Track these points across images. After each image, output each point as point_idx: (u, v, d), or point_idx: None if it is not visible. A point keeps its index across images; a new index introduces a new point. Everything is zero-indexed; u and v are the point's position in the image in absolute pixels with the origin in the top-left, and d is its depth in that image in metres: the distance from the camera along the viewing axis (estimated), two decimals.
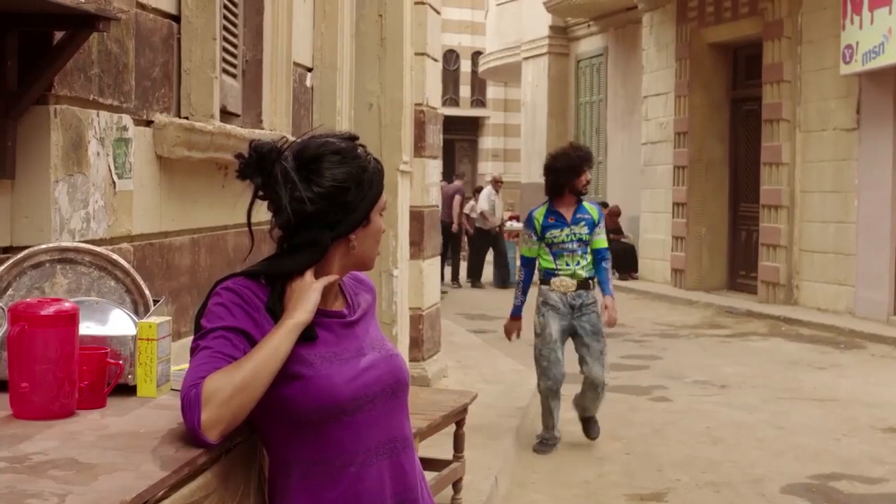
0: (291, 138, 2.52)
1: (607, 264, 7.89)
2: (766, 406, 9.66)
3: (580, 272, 7.76)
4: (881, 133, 14.59)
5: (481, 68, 32.70)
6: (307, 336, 2.36)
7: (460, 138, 39.87)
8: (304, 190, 2.36)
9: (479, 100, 41.01)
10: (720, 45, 18.90)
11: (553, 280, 7.77)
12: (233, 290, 2.37)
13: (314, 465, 2.39)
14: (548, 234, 7.77)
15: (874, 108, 14.74)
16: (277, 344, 2.29)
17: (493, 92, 40.02)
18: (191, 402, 2.19)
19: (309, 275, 2.40)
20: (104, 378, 2.48)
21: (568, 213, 7.81)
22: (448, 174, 26.24)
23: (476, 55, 37.29)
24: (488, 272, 21.81)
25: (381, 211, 2.51)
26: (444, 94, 26.47)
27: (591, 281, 7.82)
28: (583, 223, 7.79)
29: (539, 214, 7.87)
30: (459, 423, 6.18)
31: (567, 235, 7.75)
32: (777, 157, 16.59)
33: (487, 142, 40.68)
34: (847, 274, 15.17)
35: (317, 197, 2.37)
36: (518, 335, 8.16)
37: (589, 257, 7.79)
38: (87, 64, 3.37)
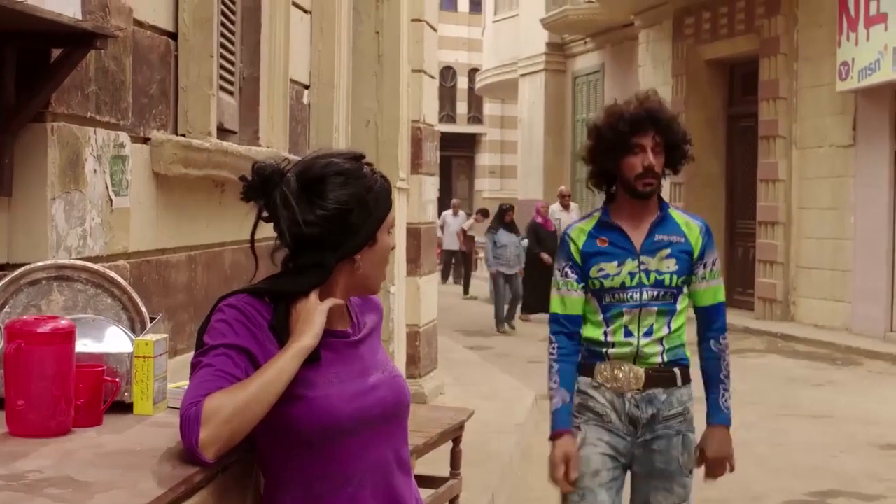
0: (295, 158, 2.51)
1: (724, 345, 4.08)
2: (763, 423, 9.64)
3: (654, 351, 3.91)
4: (877, 150, 14.61)
5: (478, 85, 32.81)
6: (311, 358, 2.34)
7: (457, 155, 39.93)
8: (304, 213, 2.35)
9: (475, 116, 41.11)
10: (717, 62, 18.94)
11: (601, 367, 3.93)
12: (236, 308, 2.35)
13: (312, 483, 2.38)
14: (595, 271, 3.92)
15: (870, 125, 14.77)
16: (282, 367, 2.27)
17: (489, 109, 40.12)
18: (190, 419, 2.17)
19: (314, 297, 2.38)
20: (100, 396, 2.48)
21: (637, 231, 3.94)
22: (444, 191, 26.25)
23: (473, 72, 37.40)
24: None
25: (390, 229, 2.47)
26: (440, 110, 26.55)
27: (679, 371, 3.96)
28: (667, 252, 3.91)
29: (580, 233, 4.01)
30: (456, 441, 6.16)
31: (632, 275, 3.89)
32: (773, 174, 16.61)
33: (484, 158, 40.76)
34: (844, 290, 15.18)
35: (319, 220, 2.35)
36: (573, 469, 3.94)
37: (680, 322, 3.96)
38: (84, 81, 3.37)
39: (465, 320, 17.86)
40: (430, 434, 5.76)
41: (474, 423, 6.69)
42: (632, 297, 3.90)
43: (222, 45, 4.87)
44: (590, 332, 3.97)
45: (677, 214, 4.03)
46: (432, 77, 10.11)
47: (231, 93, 5.14)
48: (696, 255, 3.95)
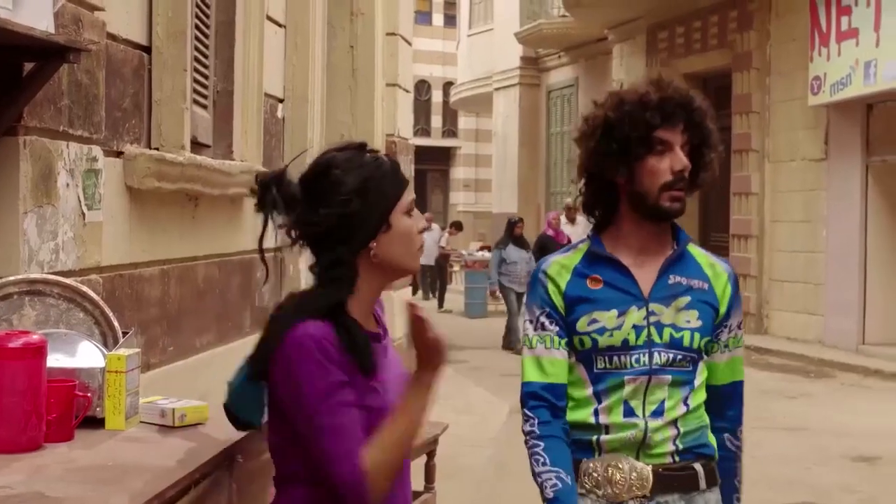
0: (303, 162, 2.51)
1: (741, 441, 3.02)
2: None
3: (666, 438, 2.80)
4: (849, 163, 14.70)
5: (453, 99, 32.86)
6: (366, 370, 2.33)
7: (432, 168, 39.95)
8: (308, 213, 2.35)
9: (450, 130, 41.14)
10: (690, 77, 18.98)
11: (588, 466, 2.81)
12: (314, 346, 2.28)
13: None
14: (584, 323, 2.82)
15: (842, 139, 14.86)
16: (420, 406, 2.34)
17: (464, 122, 40.17)
18: (357, 484, 2.22)
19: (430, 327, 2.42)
20: (72, 411, 2.47)
21: (644, 270, 2.85)
22: (419, 204, 26.23)
23: (447, 86, 37.44)
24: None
25: (408, 210, 2.43)
26: (415, 124, 26.54)
27: (701, 468, 2.84)
28: (686, 300, 2.83)
29: (561, 270, 2.89)
30: (430, 454, 6.16)
31: (639, 330, 2.80)
32: (747, 187, 16.69)
33: (459, 172, 40.79)
34: (816, 303, 15.25)
35: (323, 217, 2.34)
36: None
37: (700, 398, 2.87)
38: (57, 95, 3.36)
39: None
40: None
41: (448, 436, 6.69)
42: (637, 360, 2.76)
43: (196, 59, 4.87)
44: (573, 413, 2.80)
45: (698, 252, 2.94)
46: (407, 91, 10.12)
47: (205, 106, 5.13)
48: (721, 311, 2.85)
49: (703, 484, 2.81)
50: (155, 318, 4.35)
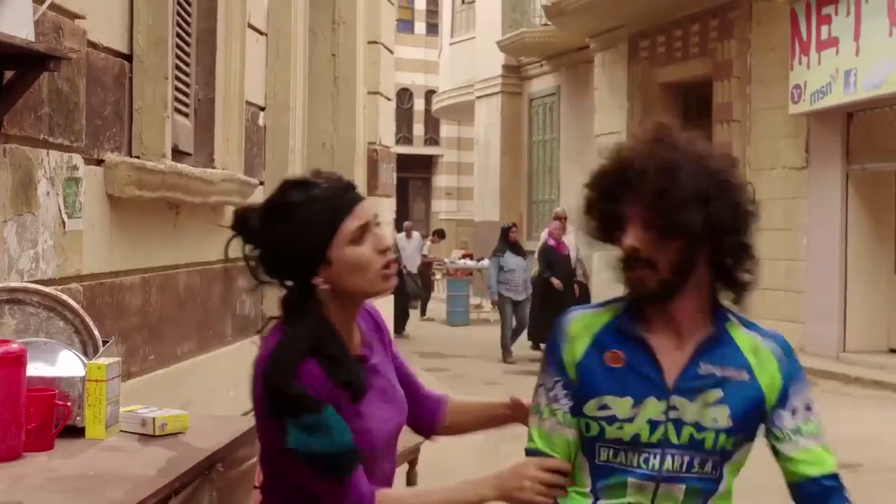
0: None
1: None
2: None
3: None
4: (829, 171, 14.76)
5: (435, 107, 32.86)
6: (357, 394, 2.38)
7: (414, 176, 39.94)
8: (264, 247, 2.43)
9: (432, 138, 41.15)
10: (671, 85, 19.08)
11: None
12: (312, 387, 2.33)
13: None
14: (593, 406, 2.41)
15: (822, 147, 14.92)
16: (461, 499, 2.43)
17: (446, 130, 40.17)
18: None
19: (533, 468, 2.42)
20: (52, 420, 2.46)
21: (673, 356, 2.40)
22: (401, 212, 26.25)
23: (430, 94, 37.44)
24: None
25: (353, 239, 2.41)
26: (397, 132, 26.55)
27: None
28: (717, 395, 2.38)
29: (583, 331, 2.47)
30: (412, 463, 6.15)
31: (654, 426, 2.37)
32: None
33: (441, 180, 40.80)
34: (797, 311, 15.29)
35: (269, 253, 2.42)
36: None
37: None
38: (37, 103, 3.35)
39: (420, 342, 17.85)
40: None
41: (430, 444, 6.66)
42: (646, 461, 2.36)
43: (177, 67, 4.86)
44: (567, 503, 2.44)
45: (741, 334, 2.48)
46: (389, 99, 10.13)
47: (186, 115, 5.12)
48: (770, 401, 2.42)
49: None
50: (136, 327, 4.33)
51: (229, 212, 4.63)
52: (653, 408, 2.34)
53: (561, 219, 16.56)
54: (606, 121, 20.49)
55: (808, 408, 2.44)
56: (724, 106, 16.91)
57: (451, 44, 29.82)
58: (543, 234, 16.83)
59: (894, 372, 13.29)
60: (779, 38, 15.54)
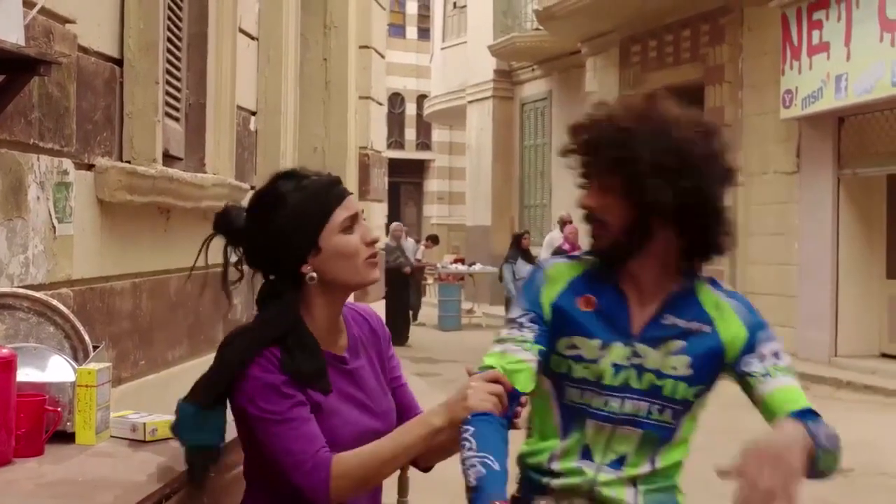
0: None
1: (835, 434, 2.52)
2: (710, 447, 9.66)
3: (618, 497, 2.49)
4: (821, 176, 14.80)
5: (426, 111, 32.90)
6: (323, 389, 2.44)
7: (405, 181, 39.97)
8: (250, 242, 2.49)
9: (424, 143, 41.19)
10: (663, 90, 19.10)
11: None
12: (264, 378, 2.39)
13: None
14: (563, 345, 2.51)
15: (814, 152, 14.96)
16: (408, 443, 2.42)
17: (438, 135, 40.22)
18: (319, 466, 2.33)
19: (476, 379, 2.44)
20: (42, 425, 2.45)
21: (643, 307, 2.52)
22: (393, 217, 26.26)
23: (421, 98, 37.49)
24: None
25: (343, 228, 2.48)
26: (389, 137, 26.56)
27: None
28: (679, 345, 2.50)
29: (559, 275, 2.57)
30: (403, 468, 6.13)
31: (618, 370, 2.48)
32: None
33: (433, 185, 40.84)
34: (789, 315, 15.31)
35: (257, 247, 2.48)
36: None
37: (675, 457, 2.60)
38: (27, 108, 3.34)
39: (412, 347, 17.83)
40: None
41: None
42: (608, 404, 2.47)
43: (168, 72, 4.85)
44: (534, 442, 2.57)
45: (707, 292, 2.56)
46: (380, 103, 10.13)
47: (177, 119, 5.12)
48: (732, 353, 2.53)
49: None
50: (126, 332, 4.32)
51: None
52: (618, 352, 2.46)
53: (566, 222, 16.27)
54: None
55: (777, 355, 2.53)
56: (715, 111, 16.94)
57: (443, 48, 29.86)
58: (550, 239, 16.46)
59: (886, 376, 13.33)
60: (770, 42, 15.58)
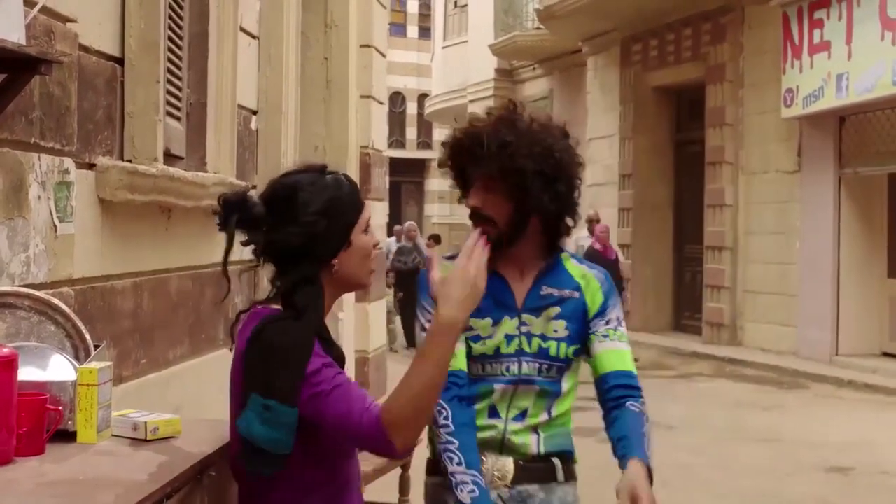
0: (255, 185, 2.62)
1: (645, 407, 2.96)
2: (711, 447, 9.69)
3: (526, 442, 2.97)
4: (822, 175, 14.79)
5: (427, 110, 32.88)
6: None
7: (406, 180, 39.95)
8: (275, 233, 2.47)
9: (425, 142, 41.15)
10: (664, 89, 19.10)
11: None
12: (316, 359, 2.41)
13: (331, 489, 2.52)
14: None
15: (814, 151, 14.95)
16: (438, 357, 2.36)
17: (439, 134, 40.11)
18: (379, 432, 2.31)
19: (464, 263, 2.46)
20: (43, 424, 2.45)
21: (521, 283, 2.99)
22: (394, 216, 26.23)
23: (422, 97, 37.46)
24: None
25: (365, 228, 2.56)
26: (390, 136, 26.51)
27: (559, 463, 3.02)
28: (556, 311, 2.98)
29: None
30: (405, 467, 6.14)
31: (510, 340, 2.96)
32: (720, 199, 16.75)
33: (434, 184, 40.78)
34: (790, 315, 15.31)
35: (289, 236, 2.46)
36: None
37: (565, 406, 3.02)
38: (28, 107, 3.35)
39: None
40: (379, 460, 5.74)
41: (423, 448, 6.67)
42: (507, 369, 2.91)
43: (169, 71, 4.85)
44: None
45: (572, 265, 3.03)
46: (381, 103, 10.14)
47: (178, 118, 5.12)
48: (591, 313, 2.96)
49: (560, 476, 2.99)
50: (127, 331, 4.33)
51: None
52: (508, 324, 2.93)
53: (594, 221, 15.55)
54: (599, 124, 20.53)
55: (619, 321, 3.02)
56: (716, 110, 16.94)
57: (444, 47, 29.85)
58: (577, 239, 15.67)
59: (887, 375, 13.32)
60: (771, 42, 15.58)
